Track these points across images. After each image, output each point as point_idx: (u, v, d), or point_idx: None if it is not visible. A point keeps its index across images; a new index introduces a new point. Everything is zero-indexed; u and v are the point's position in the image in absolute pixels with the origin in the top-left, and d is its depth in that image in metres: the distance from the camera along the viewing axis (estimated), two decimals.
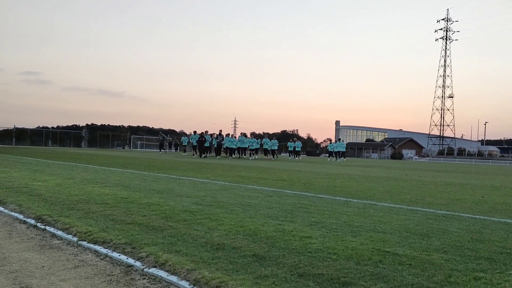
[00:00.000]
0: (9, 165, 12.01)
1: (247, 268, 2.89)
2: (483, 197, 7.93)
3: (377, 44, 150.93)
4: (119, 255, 3.29)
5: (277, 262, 3.04)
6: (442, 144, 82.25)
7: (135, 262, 3.14)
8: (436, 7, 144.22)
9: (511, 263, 3.18)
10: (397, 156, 67.43)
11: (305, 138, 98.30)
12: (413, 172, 17.19)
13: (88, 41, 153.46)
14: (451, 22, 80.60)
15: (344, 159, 33.46)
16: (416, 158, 66.23)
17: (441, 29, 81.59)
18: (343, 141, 34.58)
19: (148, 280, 2.84)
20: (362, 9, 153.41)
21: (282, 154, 50.98)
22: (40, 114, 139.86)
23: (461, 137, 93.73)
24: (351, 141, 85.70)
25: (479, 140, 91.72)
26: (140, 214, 4.74)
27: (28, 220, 4.58)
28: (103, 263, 3.20)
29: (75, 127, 74.91)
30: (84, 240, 3.72)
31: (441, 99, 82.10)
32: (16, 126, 48.21)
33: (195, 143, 27.05)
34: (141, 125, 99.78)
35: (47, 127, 56.58)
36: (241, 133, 31.99)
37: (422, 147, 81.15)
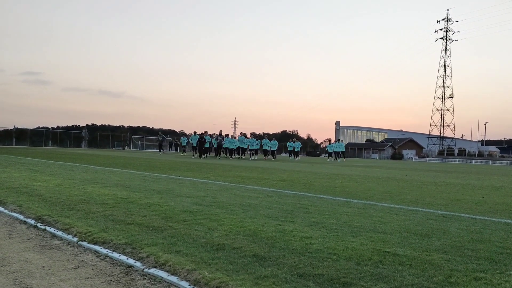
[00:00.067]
0: (9, 166, 12.02)
1: (247, 268, 2.89)
2: (483, 197, 7.93)
3: (377, 44, 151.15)
4: (119, 256, 3.29)
5: (277, 262, 3.04)
6: (442, 145, 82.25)
7: (135, 262, 3.14)
8: (436, 7, 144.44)
9: (511, 264, 3.18)
10: (397, 156, 67.41)
11: (305, 138, 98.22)
12: (413, 173, 17.19)
13: (88, 41, 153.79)
14: (451, 23, 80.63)
15: (344, 159, 33.48)
16: (416, 159, 66.23)
17: (441, 29, 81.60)
18: (342, 141, 34.61)
19: (148, 281, 2.84)
20: (362, 9, 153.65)
21: (282, 155, 50.99)
22: (40, 115, 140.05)
23: (461, 137, 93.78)
24: (351, 142, 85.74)
25: (479, 141, 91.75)
26: (140, 215, 4.74)
27: (28, 220, 4.59)
28: (103, 264, 3.20)
29: (75, 128, 74.91)
30: (84, 241, 3.72)
31: (441, 99, 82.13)
32: (16, 127, 48.22)
33: (195, 144, 27.04)
34: (141, 126, 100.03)
35: (47, 128, 56.58)
36: (240, 133, 32.02)
37: (422, 148, 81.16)
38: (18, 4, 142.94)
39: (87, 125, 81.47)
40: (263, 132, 37.97)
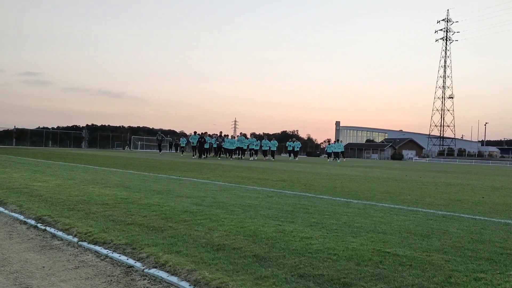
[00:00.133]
0: (10, 166, 12.02)
1: (248, 268, 2.89)
2: (483, 197, 7.93)
3: (377, 44, 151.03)
4: (120, 256, 3.29)
5: (277, 262, 3.05)
6: (442, 145, 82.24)
7: (135, 262, 3.14)
8: (436, 7, 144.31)
9: (511, 264, 3.18)
10: (397, 156, 67.40)
11: (305, 138, 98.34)
12: (413, 173, 17.19)
13: (88, 41, 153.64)
14: (451, 23, 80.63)
15: (344, 160, 33.49)
16: (416, 159, 66.22)
17: (441, 29, 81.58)
18: (341, 141, 34.66)
19: (149, 281, 2.85)
20: (362, 9, 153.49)
21: (282, 155, 50.97)
22: (40, 115, 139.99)
23: (461, 137, 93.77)
24: (351, 142, 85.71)
25: (479, 141, 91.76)
26: (140, 215, 4.74)
27: (29, 220, 4.59)
28: (104, 264, 3.20)
29: (75, 128, 74.89)
30: (85, 241, 3.73)
31: (441, 99, 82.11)
32: (16, 127, 48.17)
33: (195, 143, 27.03)
34: (141, 126, 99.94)
35: (47, 128, 56.59)
36: (240, 133, 32.00)
37: (422, 148, 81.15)
38: (18, 5, 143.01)
39: (87, 125, 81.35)
40: (263, 133, 37.95)
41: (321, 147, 79.72)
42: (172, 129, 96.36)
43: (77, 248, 3.64)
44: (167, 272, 2.91)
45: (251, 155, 29.62)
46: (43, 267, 3.13)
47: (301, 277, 2.75)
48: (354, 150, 72.13)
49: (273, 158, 29.92)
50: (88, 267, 3.13)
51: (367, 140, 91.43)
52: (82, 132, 54.87)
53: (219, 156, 28.00)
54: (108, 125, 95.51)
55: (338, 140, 35.36)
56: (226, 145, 27.44)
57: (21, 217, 4.75)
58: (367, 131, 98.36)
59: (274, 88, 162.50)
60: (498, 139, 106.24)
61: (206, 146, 26.89)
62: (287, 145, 35.27)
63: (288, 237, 3.83)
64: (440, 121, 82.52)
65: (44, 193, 6.32)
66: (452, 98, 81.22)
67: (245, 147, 29.16)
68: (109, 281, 2.84)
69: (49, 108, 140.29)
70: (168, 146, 44.63)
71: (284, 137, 77.40)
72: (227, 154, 28.08)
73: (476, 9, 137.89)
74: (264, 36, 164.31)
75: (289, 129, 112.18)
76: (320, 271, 2.86)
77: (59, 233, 4.03)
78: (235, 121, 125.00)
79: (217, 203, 5.81)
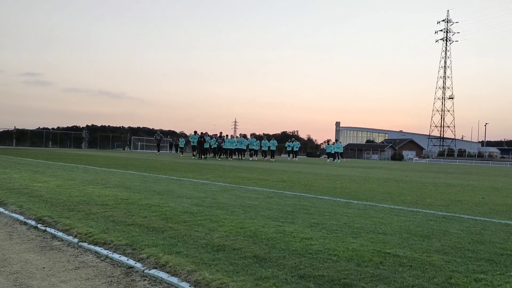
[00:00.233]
0: (10, 166, 12.02)
1: (248, 269, 2.89)
2: (483, 198, 7.93)
3: (377, 45, 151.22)
4: (120, 257, 3.29)
5: (277, 263, 3.04)
6: (443, 145, 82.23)
7: (135, 263, 3.14)
8: (436, 8, 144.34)
9: (511, 265, 3.18)
10: (397, 157, 67.39)
11: (305, 139, 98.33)
12: (413, 173, 17.19)
13: (88, 42, 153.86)
14: (451, 23, 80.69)
15: (344, 160, 33.49)
16: (416, 159, 66.19)
17: (442, 30, 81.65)
18: (340, 142, 34.67)
19: (149, 282, 2.85)
20: (362, 10, 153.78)
21: (282, 155, 50.97)
22: (40, 115, 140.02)
23: (462, 138, 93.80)
24: (351, 142, 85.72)
25: (479, 141, 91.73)
26: (140, 216, 4.74)
27: (29, 221, 4.59)
28: (104, 265, 3.20)
29: (75, 128, 74.89)
30: (85, 242, 3.73)
31: (442, 100, 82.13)
32: (16, 127, 48.20)
33: (195, 143, 27.01)
34: (141, 126, 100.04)
35: (47, 128, 56.68)
36: (239, 134, 31.99)
37: (422, 148, 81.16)
38: (18, 5, 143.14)
39: (87, 125, 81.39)
40: (263, 133, 37.92)
41: (321, 147, 79.71)
42: (172, 129, 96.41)
43: (77, 248, 3.64)
44: (168, 272, 2.91)
45: (251, 155, 29.61)
46: (43, 267, 3.13)
47: (301, 277, 2.75)
48: (354, 151, 72.08)
49: (273, 158, 29.90)
50: (88, 268, 3.13)
51: (367, 141, 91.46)
52: (82, 133, 54.90)
53: (219, 157, 28.00)
54: (108, 125, 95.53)
55: (337, 141, 35.37)
56: (226, 145, 27.44)
57: (21, 218, 4.75)
58: (367, 131, 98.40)
59: (274, 89, 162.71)
60: (498, 139, 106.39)
61: (206, 146, 26.89)
62: (286, 145, 35.25)
63: (288, 237, 3.83)
64: (440, 121, 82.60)
65: (44, 194, 6.32)
66: (452, 98, 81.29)
67: (245, 148, 29.16)
68: (109, 282, 2.84)
69: (49, 109, 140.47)
70: (168, 146, 44.64)
71: (284, 138, 77.31)
72: (227, 154, 28.08)
73: (476, 10, 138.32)
74: (264, 37, 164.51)
75: (289, 129, 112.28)
76: (320, 272, 2.86)
77: (59, 234, 4.03)
78: (235, 121, 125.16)
79: (217, 204, 5.81)
